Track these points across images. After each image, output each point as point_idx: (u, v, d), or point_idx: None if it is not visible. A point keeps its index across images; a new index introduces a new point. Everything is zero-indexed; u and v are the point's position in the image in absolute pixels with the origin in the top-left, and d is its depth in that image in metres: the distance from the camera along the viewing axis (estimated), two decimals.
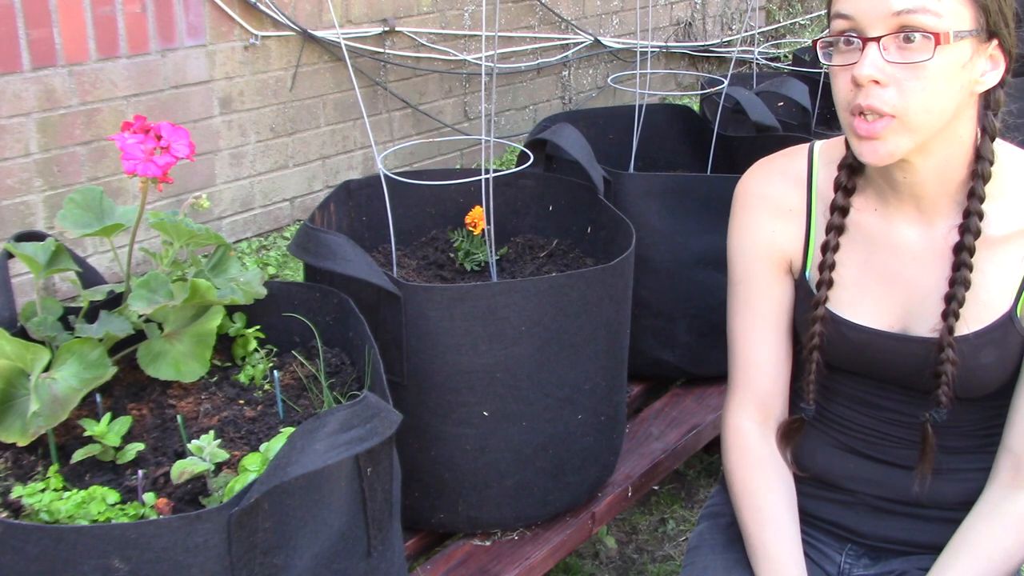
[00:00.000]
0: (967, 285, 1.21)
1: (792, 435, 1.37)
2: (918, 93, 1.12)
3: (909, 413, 1.29)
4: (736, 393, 1.39)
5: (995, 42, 1.15)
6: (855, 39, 1.14)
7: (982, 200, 1.20)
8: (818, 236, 1.31)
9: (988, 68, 1.16)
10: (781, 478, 1.35)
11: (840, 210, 1.27)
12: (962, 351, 1.23)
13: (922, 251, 1.26)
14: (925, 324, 1.25)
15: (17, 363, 1.19)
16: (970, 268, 1.21)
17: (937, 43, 1.10)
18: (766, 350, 1.36)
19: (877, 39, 1.12)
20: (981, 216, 1.20)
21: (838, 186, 1.27)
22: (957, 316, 1.21)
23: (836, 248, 1.28)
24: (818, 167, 1.33)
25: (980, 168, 1.19)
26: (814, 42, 1.20)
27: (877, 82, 1.12)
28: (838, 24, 1.16)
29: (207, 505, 1.13)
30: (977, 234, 1.20)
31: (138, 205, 1.27)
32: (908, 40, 1.11)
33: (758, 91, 2.59)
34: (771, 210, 1.34)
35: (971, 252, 1.21)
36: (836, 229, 1.28)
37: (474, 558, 1.62)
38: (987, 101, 1.20)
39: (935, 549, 1.30)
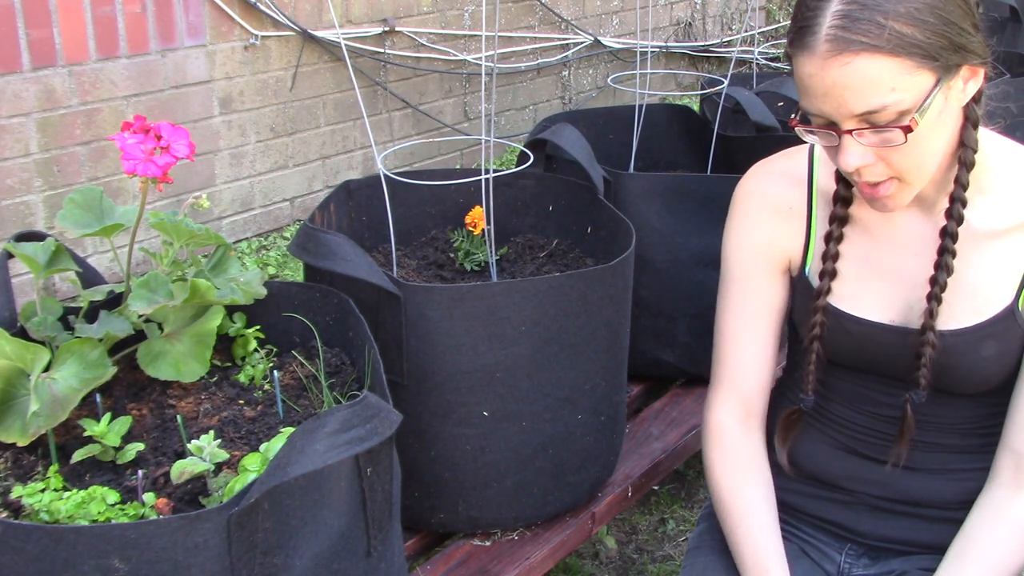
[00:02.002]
0: (949, 271, 1.21)
1: (791, 427, 1.37)
2: (905, 161, 1.14)
3: (901, 413, 1.29)
4: (720, 390, 1.39)
5: (965, 66, 1.13)
6: (830, 131, 1.14)
7: (965, 187, 1.20)
8: (819, 234, 1.31)
9: (968, 77, 1.14)
10: (761, 476, 1.36)
11: (843, 200, 1.27)
12: (963, 344, 1.23)
13: (921, 243, 1.26)
14: (924, 318, 1.25)
15: (17, 363, 1.18)
16: (953, 254, 1.21)
17: (907, 131, 1.09)
18: (754, 349, 1.36)
19: (850, 131, 1.12)
20: (964, 203, 1.20)
21: (839, 177, 1.27)
22: (940, 300, 1.22)
23: (840, 238, 1.28)
24: (819, 166, 1.33)
25: (963, 156, 1.19)
26: (790, 123, 1.19)
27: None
28: (810, 116, 1.15)
29: (207, 505, 1.13)
30: (959, 220, 1.21)
31: (138, 205, 1.27)
32: (880, 127, 1.11)
33: (758, 91, 2.59)
34: (771, 210, 1.34)
35: (954, 238, 1.21)
36: (839, 220, 1.28)
37: (474, 558, 1.62)
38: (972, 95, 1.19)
39: (935, 549, 1.30)
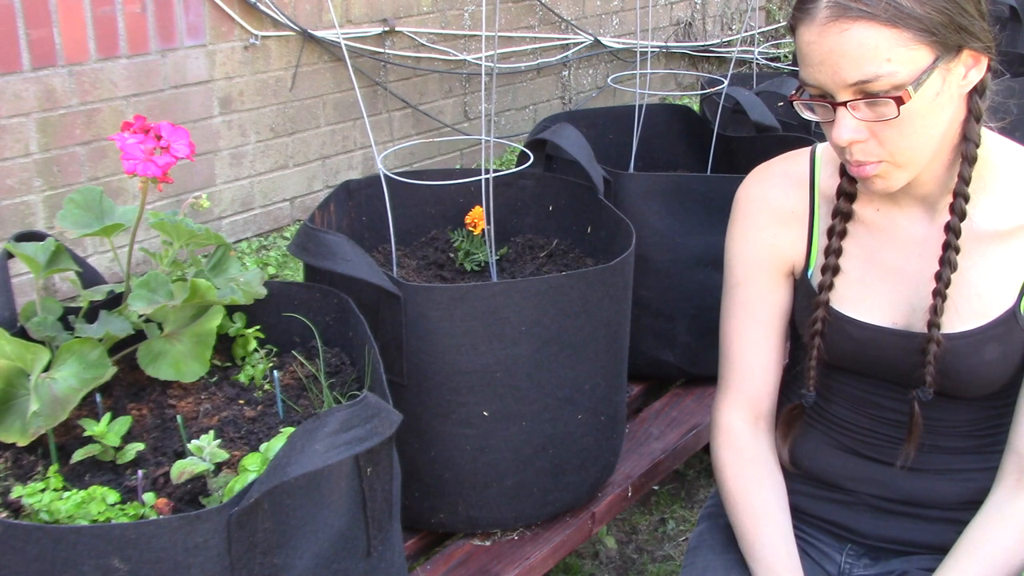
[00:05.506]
0: (953, 267, 1.21)
1: (792, 423, 1.37)
2: (898, 140, 1.14)
3: (908, 412, 1.29)
4: (728, 393, 1.39)
5: (966, 51, 1.13)
6: (826, 104, 1.15)
7: (967, 182, 1.20)
8: (821, 236, 1.31)
9: (971, 64, 1.15)
10: (772, 476, 1.36)
11: (846, 195, 1.27)
12: (965, 347, 1.23)
13: (924, 244, 1.26)
14: (927, 319, 1.25)
15: (17, 363, 1.18)
16: (956, 250, 1.21)
17: (900, 103, 1.10)
18: (760, 352, 1.36)
19: (845, 103, 1.13)
20: (967, 199, 1.20)
21: (843, 172, 1.27)
22: (944, 297, 1.22)
23: (843, 234, 1.28)
24: (820, 168, 1.33)
25: (965, 150, 1.19)
26: (790, 98, 1.20)
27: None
28: (808, 88, 1.17)
29: (207, 505, 1.13)
30: (962, 216, 1.20)
31: (138, 205, 1.27)
32: (873, 100, 1.11)
33: (758, 91, 2.59)
34: (772, 214, 1.34)
35: (957, 234, 1.21)
36: (842, 215, 1.28)
37: (474, 558, 1.62)
38: (974, 85, 1.19)
39: (935, 549, 1.30)
